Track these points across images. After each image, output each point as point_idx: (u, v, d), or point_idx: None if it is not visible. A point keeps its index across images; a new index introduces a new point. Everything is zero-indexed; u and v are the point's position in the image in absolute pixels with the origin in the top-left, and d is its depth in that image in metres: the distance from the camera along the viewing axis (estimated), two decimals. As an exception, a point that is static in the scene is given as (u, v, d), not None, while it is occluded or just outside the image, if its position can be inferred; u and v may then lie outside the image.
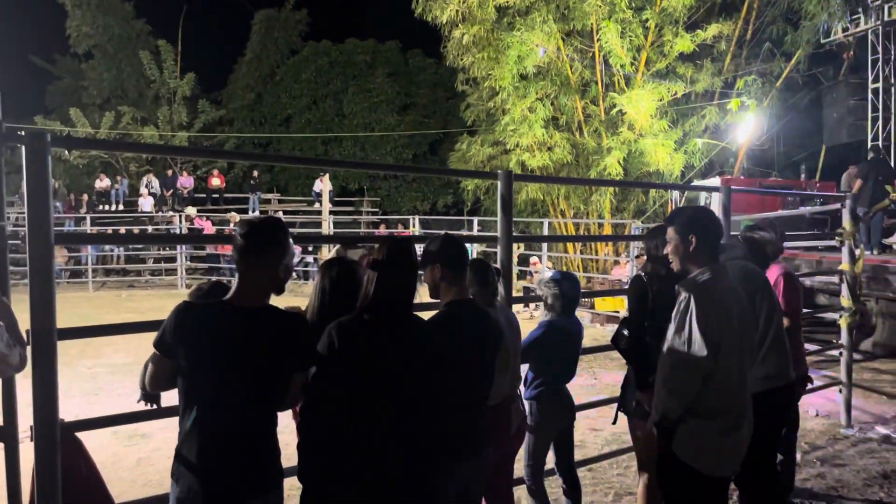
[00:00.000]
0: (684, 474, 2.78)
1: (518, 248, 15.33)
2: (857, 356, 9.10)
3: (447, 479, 2.56)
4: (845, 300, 6.23)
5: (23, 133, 2.34)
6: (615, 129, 14.76)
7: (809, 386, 4.61)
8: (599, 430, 5.99)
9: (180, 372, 2.24)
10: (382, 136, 26.40)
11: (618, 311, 11.96)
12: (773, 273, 4.03)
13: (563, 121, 15.90)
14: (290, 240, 2.38)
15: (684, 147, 14.58)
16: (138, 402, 2.69)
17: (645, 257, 3.61)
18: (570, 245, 16.86)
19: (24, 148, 2.35)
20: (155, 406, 2.70)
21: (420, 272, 2.78)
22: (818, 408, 6.68)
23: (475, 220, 18.29)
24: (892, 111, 14.42)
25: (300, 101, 27.48)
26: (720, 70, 14.50)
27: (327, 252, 13.92)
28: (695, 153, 14.37)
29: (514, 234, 3.87)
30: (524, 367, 3.66)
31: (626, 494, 4.70)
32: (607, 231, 16.12)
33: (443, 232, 3.50)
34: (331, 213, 19.53)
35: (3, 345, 2.16)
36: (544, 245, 15.27)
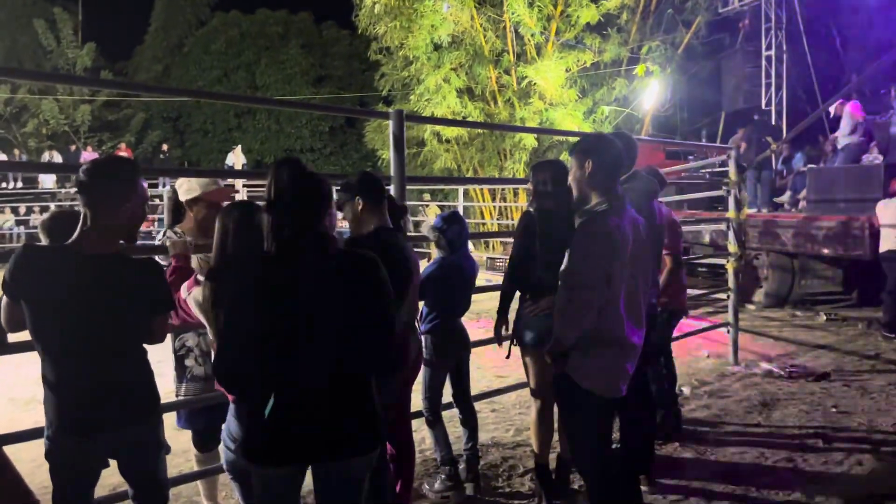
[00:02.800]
0: (578, 395, 2.91)
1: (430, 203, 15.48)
2: (749, 306, 9.72)
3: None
4: (732, 246, 6.62)
5: None
6: (528, 99, 14.98)
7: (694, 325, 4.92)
8: (505, 377, 6.20)
9: (26, 313, 2.23)
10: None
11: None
12: (663, 213, 4.25)
13: (477, 91, 16.01)
14: (141, 180, 2.32)
15: (593, 116, 14.95)
16: None
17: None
18: (486, 211, 17.10)
19: None
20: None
21: (339, 211, 2.86)
22: (709, 350, 7.10)
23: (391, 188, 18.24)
24: (784, 77, 15.20)
25: (211, 73, 26.69)
26: (626, 40, 14.90)
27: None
28: (603, 121, 14.77)
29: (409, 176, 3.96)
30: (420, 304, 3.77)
31: (526, 430, 4.90)
32: (522, 198, 16.40)
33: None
34: (245, 186, 19.11)
35: None
36: (460, 204, 15.38)
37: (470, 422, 3.95)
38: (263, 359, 2.13)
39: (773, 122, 14.76)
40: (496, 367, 6.13)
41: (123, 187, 2.30)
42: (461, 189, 16.02)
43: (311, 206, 2.23)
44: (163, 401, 2.54)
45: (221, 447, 2.79)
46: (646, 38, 14.92)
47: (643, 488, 3.71)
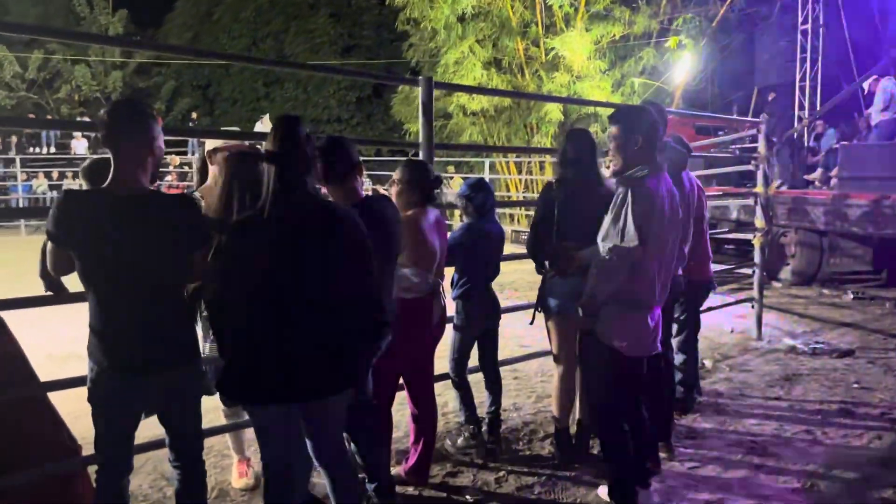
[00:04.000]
0: (604, 353, 3.03)
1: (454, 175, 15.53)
2: (775, 283, 9.66)
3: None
4: (759, 221, 6.58)
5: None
6: (555, 71, 14.85)
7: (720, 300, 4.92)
8: (527, 347, 6.26)
9: (75, 257, 2.33)
10: (325, 78, 25.89)
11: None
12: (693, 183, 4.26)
13: (504, 63, 15.89)
14: (155, 121, 2.42)
15: (621, 89, 14.79)
16: (46, 291, 2.77)
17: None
18: (511, 184, 17.07)
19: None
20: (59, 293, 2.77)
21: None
22: (734, 325, 7.10)
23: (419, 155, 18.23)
24: (820, 52, 14.87)
25: (240, 41, 26.69)
26: (657, 12, 14.67)
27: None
28: (632, 94, 14.61)
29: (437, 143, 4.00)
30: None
31: (546, 397, 4.98)
32: (549, 172, 16.35)
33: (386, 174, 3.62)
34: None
35: None
36: (486, 176, 15.39)
37: (495, 387, 4.03)
38: (253, 306, 2.28)
39: (808, 98, 14.54)
40: (518, 336, 6.20)
41: (144, 124, 2.39)
42: (487, 162, 16.01)
43: (305, 162, 2.36)
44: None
45: None
46: (677, 10, 14.67)
47: (662, 455, 3.79)
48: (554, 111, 14.37)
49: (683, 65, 14.23)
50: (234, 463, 3.58)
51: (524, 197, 16.31)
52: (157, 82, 25.47)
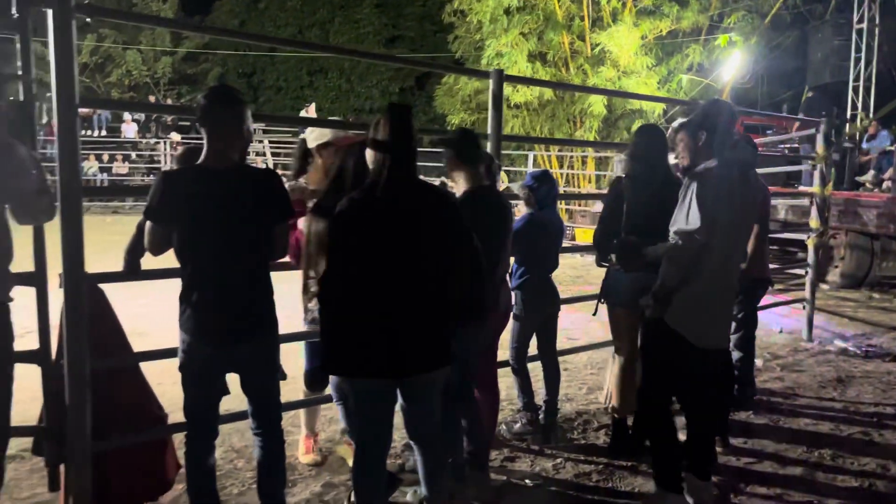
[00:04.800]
0: (670, 341, 3.06)
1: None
2: (823, 286, 9.55)
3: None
4: (814, 222, 6.54)
5: (49, -2, 2.48)
6: (600, 66, 14.79)
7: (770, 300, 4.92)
8: (575, 340, 6.32)
9: (175, 232, 2.48)
10: (369, 68, 26.08)
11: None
12: (758, 183, 4.27)
13: (550, 56, 15.86)
14: (245, 105, 2.57)
15: (668, 85, 14.67)
16: (124, 269, 2.91)
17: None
18: (557, 178, 17.03)
19: (50, 13, 2.50)
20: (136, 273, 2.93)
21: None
22: (784, 326, 7.07)
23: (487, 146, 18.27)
24: (875, 52, 14.57)
25: (285, 30, 27.01)
26: (707, 7, 14.50)
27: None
28: (678, 91, 14.48)
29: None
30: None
31: (598, 389, 5.05)
32: (591, 166, 16.32)
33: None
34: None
35: (37, 189, 2.37)
36: (528, 170, 15.38)
37: (552, 376, 4.11)
38: (360, 285, 2.43)
39: (861, 99, 14.27)
40: (565, 328, 6.25)
41: (238, 108, 2.53)
42: (530, 155, 16.01)
43: (413, 147, 2.52)
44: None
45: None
46: (728, 6, 14.48)
47: (717, 449, 3.83)
48: (597, 105, 14.31)
49: (733, 62, 14.05)
50: (301, 438, 3.70)
51: (564, 191, 16.30)
52: (204, 69, 25.90)
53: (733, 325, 4.41)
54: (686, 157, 3.15)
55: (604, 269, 3.91)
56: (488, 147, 4.01)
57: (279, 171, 3.19)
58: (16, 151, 2.31)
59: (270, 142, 21.12)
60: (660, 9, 14.38)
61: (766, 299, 6.78)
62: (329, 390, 3.21)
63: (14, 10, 2.55)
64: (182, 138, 19.98)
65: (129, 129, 20.67)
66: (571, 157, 16.72)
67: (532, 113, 16.24)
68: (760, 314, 6.57)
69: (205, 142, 2.51)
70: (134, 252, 2.74)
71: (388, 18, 27.13)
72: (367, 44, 26.23)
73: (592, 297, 3.96)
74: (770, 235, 10.16)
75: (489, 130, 3.99)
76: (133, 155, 19.99)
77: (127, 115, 20.78)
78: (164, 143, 19.28)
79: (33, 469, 3.42)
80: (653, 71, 14.41)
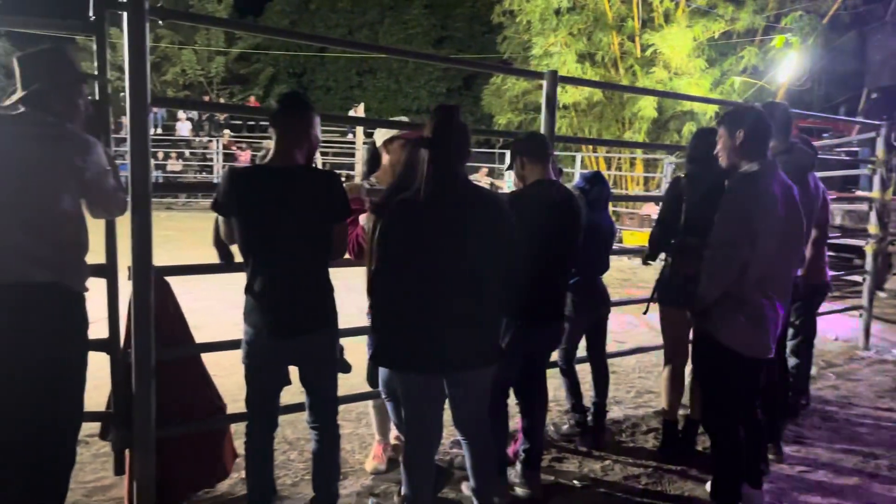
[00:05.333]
0: (717, 353, 2.99)
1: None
2: (880, 293, 9.27)
3: (520, 341, 3.00)
4: (873, 227, 6.37)
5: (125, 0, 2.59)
6: (651, 67, 14.62)
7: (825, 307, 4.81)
8: (623, 343, 6.28)
9: (236, 227, 2.57)
10: (417, 69, 26.26)
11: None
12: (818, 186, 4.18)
13: (598, 57, 15.76)
14: (314, 112, 2.67)
15: (720, 87, 14.42)
16: (220, 259, 3.01)
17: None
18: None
19: (125, 15, 2.61)
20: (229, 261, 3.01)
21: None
22: (838, 333, 6.90)
23: (507, 153, 18.32)
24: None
25: (336, 30, 27.40)
26: (763, 7, 14.20)
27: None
28: (731, 93, 14.22)
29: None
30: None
31: (646, 393, 5.02)
32: (639, 168, 16.15)
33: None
34: (364, 144, 19.70)
35: (111, 184, 2.48)
36: (576, 171, 15.29)
37: (601, 377, 4.10)
38: (407, 281, 2.49)
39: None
40: (614, 331, 6.23)
41: (308, 114, 2.64)
42: (578, 157, 15.93)
43: (462, 147, 2.58)
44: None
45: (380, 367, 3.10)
46: (786, 6, 14.16)
47: (770, 457, 3.77)
48: (647, 107, 14.15)
49: (789, 64, 13.72)
50: (373, 444, 3.72)
51: (612, 193, 16.12)
52: (256, 69, 26.39)
53: (790, 331, 4.35)
54: (724, 157, 3.07)
55: (652, 272, 3.89)
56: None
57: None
58: (93, 148, 2.42)
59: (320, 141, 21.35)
60: (714, 9, 14.16)
61: (822, 306, 6.67)
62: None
63: (91, 14, 2.67)
64: (233, 137, 20.42)
65: (184, 128, 21.18)
66: (619, 158, 16.58)
67: (580, 114, 16.16)
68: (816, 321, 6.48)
69: (273, 143, 2.60)
70: (220, 244, 2.84)
71: (437, 19, 27.30)
72: (415, 44, 26.43)
73: (642, 301, 3.94)
74: (829, 241, 10.00)
75: (542, 131, 3.99)
76: (187, 153, 20.47)
77: (181, 114, 21.29)
78: (216, 141, 19.70)
79: (97, 454, 3.56)
80: (705, 72, 14.18)
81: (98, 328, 2.79)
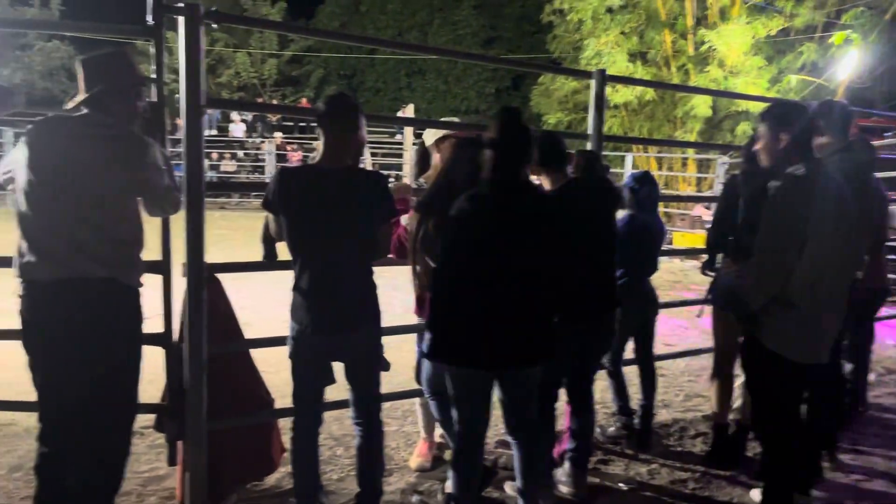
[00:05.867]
0: (764, 358, 2.92)
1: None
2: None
3: (571, 338, 2.98)
4: (938, 229, 6.12)
5: (181, 5, 2.67)
6: (704, 66, 14.35)
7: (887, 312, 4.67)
8: (672, 346, 6.19)
9: (284, 225, 2.63)
10: (466, 69, 26.31)
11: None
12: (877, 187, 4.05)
13: (650, 55, 15.53)
14: (360, 112, 2.69)
15: (777, 86, 14.05)
16: (263, 257, 3.07)
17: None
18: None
19: (181, 20, 2.69)
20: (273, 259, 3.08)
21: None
22: (897, 340, 6.69)
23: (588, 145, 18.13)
24: None
25: (385, 32, 27.62)
26: (822, 3, 13.78)
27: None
28: (789, 91, 13.84)
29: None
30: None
31: (695, 396, 4.94)
32: (691, 168, 15.86)
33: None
34: (413, 145, 19.81)
35: (167, 183, 2.56)
36: (627, 171, 15.08)
37: (648, 380, 4.06)
38: (469, 280, 2.54)
39: None
40: (663, 334, 6.13)
41: (354, 116, 2.67)
42: (628, 157, 15.73)
43: (525, 152, 2.61)
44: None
45: (424, 365, 3.13)
46: (846, 2, 13.70)
47: (825, 465, 3.68)
48: (701, 106, 13.87)
49: (849, 61, 13.27)
50: (419, 441, 3.76)
51: (663, 193, 15.86)
52: (307, 71, 26.79)
53: (847, 336, 4.22)
54: (766, 157, 2.97)
55: (704, 276, 3.85)
56: (589, 147, 4.00)
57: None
58: (151, 149, 2.50)
59: (369, 142, 21.58)
60: (772, 5, 13.82)
61: (881, 311, 6.45)
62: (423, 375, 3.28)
63: (150, 19, 2.76)
64: (284, 138, 20.76)
65: (238, 129, 21.61)
66: (671, 158, 16.31)
67: (631, 113, 15.97)
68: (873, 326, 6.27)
69: (321, 144, 2.65)
70: (267, 241, 2.91)
71: (486, 19, 27.30)
72: (464, 45, 26.47)
73: (691, 303, 3.91)
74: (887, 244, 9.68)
75: (590, 130, 3.98)
76: (240, 153, 20.89)
77: (235, 115, 21.71)
78: (269, 142, 20.05)
79: (152, 445, 3.67)
80: (762, 70, 13.84)
81: (153, 323, 2.88)
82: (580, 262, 2.93)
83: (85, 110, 2.48)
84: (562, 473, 3.36)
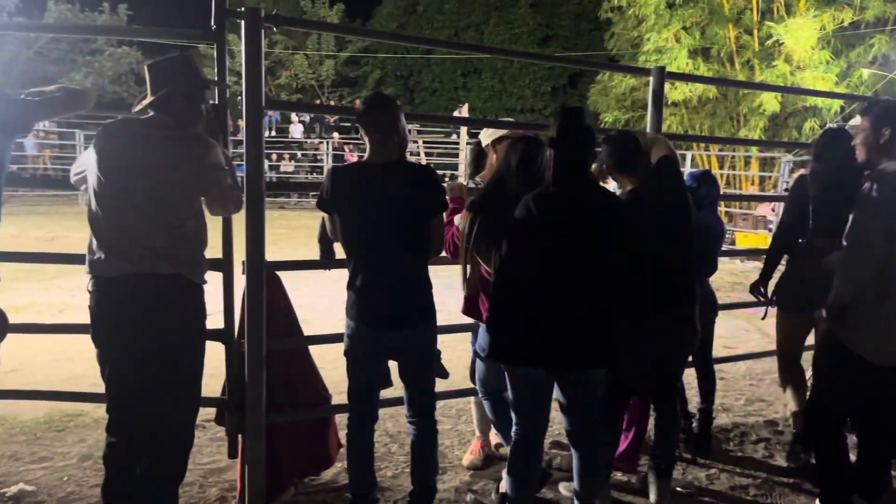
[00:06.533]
0: (846, 360, 2.84)
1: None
2: None
3: (639, 335, 2.93)
4: None
5: (242, 9, 2.74)
6: (770, 61, 13.95)
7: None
8: (732, 348, 6.04)
9: (338, 223, 2.68)
10: (522, 68, 26.20)
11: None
12: None
13: (713, 51, 15.18)
14: (400, 110, 2.73)
15: (847, 80, 13.57)
16: (320, 256, 3.13)
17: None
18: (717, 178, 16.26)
19: (242, 24, 2.77)
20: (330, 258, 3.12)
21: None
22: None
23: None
24: None
25: (442, 32, 27.76)
26: (897, -7, 13.25)
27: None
28: (859, 86, 13.35)
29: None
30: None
31: (757, 401, 4.81)
32: (754, 167, 15.44)
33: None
34: (468, 144, 19.86)
35: (229, 183, 2.63)
36: (686, 170, 14.79)
37: (708, 383, 3.97)
38: (531, 280, 2.52)
39: None
40: (722, 336, 5.99)
41: (395, 112, 2.71)
42: (688, 155, 15.42)
43: (587, 148, 2.58)
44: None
45: (478, 366, 3.13)
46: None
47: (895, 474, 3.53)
48: (770, 102, 13.47)
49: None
50: (472, 440, 3.77)
51: (724, 192, 15.50)
52: (364, 72, 27.13)
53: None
54: (863, 152, 2.91)
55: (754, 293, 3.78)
56: (646, 146, 3.94)
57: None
58: (214, 149, 2.57)
59: (424, 142, 21.74)
60: (841, -1, 13.36)
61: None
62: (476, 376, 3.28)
63: (213, 23, 2.84)
64: (342, 138, 21.06)
65: (296, 130, 22.04)
66: (733, 157, 15.91)
67: (691, 111, 15.65)
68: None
69: (367, 142, 2.70)
70: (324, 240, 2.96)
71: (543, 18, 27.14)
72: (521, 44, 26.36)
73: (752, 305, 3.80)
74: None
75: (648, 128, 3.92)
76: (299, 154, 21.28)
77: (294, 117, 22.16)
78: (327, 143, 20.37)
79: (213, 438, 3.78)
80: (831, 65, 13.38)
81: (214, 319, 2.96)
82: (651, 261, 2.85)
83: (151, 112, 2.56)
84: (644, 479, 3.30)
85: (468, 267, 2.88)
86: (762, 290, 3.80)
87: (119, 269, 2.43)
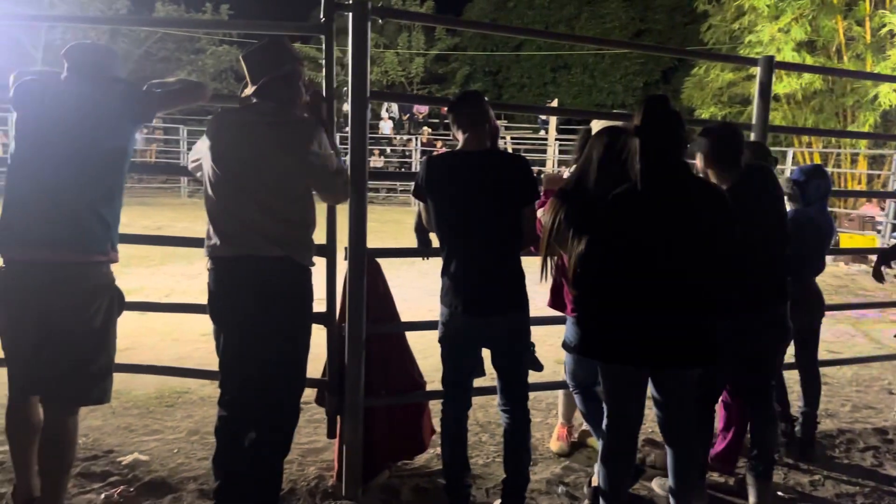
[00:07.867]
0: None
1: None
2: None
3: (733, 334, 2.85)
4: None
5: (350, 2, 2.83)
6: (884, 52, 13.15)
7: None
8: (837, 353, 5.76)
9: (432, 211, 2.73)
10: (613, 63, 25.73)
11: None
12: None
13: (819, 43, 14.44)
14: (487, 103, 2.78)
15: (967, 70, 12.65)
16: (418, 245, 3.18)
17: None
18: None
19: (350, 15, 2.85)
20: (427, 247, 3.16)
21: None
22: None
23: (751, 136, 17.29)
24: None
25: (532, 27, 27.49)
26: None
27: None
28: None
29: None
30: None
31: (865, 408, 4.58)
32: (862, 165, 14.61)
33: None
34: (556, 140, 19.67)
35: (337, 170, 2.72)
36: (787, 168, 14.15)
37: (811, 386, 3.81)
38: (623, 274, 2.46)
39: None
40: (826, 340, 5.72)
41: (484, 105, 2.78)
42: (789, 152, 14.75)
43: (676, 136, 2.50)
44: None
45: (566, 359, 3.12)
46: None
47: None
48: (889, 95, 12.65)
49: None
50: (556, 426, 3.80)
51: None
52: (453, 68, 27.26)
53: None
54: None
55: (872, 280, 3.57)
56: (752, 138, 3.80)
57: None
58: (316, 133, 2.64)
59: (512, 138, 21.67)
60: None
61: None
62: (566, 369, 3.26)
63: (322, 16, 2.93)
64: (431, 134, 21.23)
65: (386, 126, 22.40)
66: (839, 154, 15.11)
67: (795, 106, 14.95)
68: None
69: (460, 134, 2.78)
70: (420, 230, 3.03)
71: (636, 12, 26.54)
72: (613, 38, 25.82)
73: (862, 306, 3.60)
74: None
75: (754, 121, 3.79)
76: (388, 150, 21.61)
77: (384, 113, 22.53)
78: (415, 138, 20.60)
79: (311, 419, 3.90)
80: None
81: (317, 303, 3.07)
82: (747, 255, 2.75)
83: (254, 100, 2.66)
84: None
85: (548, 260, 2.85)
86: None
87: (231, 251, 2.55)
